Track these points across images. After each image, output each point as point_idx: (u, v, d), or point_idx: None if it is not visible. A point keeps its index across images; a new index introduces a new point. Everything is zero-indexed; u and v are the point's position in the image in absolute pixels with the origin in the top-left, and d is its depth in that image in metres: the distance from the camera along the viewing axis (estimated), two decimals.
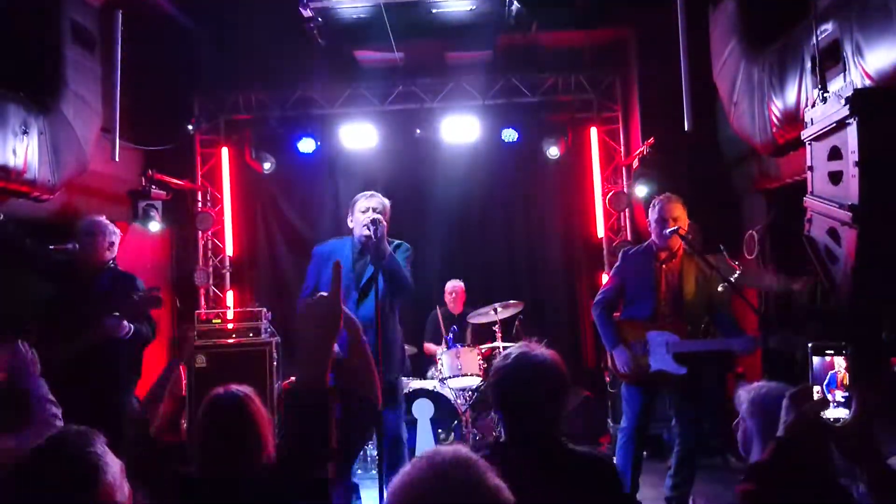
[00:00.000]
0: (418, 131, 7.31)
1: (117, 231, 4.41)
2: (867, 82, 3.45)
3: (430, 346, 6.69)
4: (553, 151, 7.29)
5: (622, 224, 7.44)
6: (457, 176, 7.40)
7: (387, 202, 4.22)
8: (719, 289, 4.13)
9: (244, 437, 2.24)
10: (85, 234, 4.27)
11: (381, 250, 3.86)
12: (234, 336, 6.65)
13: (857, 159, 2.82)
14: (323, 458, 1.93)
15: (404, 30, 6.28)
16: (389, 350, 3.95)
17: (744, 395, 2.31)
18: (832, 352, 1.78)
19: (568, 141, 7.38)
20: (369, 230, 3.92)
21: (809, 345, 1.79)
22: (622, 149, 7.49)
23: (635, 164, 6.84)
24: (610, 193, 7.27)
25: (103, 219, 4.36)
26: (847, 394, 1.78)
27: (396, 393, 4.21)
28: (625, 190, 7.25)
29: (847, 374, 1.79)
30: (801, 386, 1.83)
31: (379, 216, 4.04)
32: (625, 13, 6.64)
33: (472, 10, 6.27)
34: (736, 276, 3.85)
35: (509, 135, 7.17)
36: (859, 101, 2.82)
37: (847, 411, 1.77)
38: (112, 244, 4.34)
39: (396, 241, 4.21)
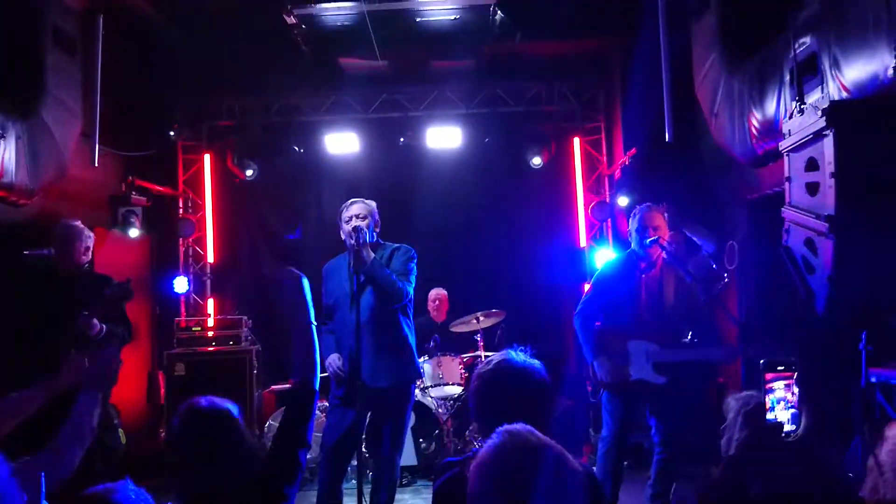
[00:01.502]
0: (402, 139, 7.32)
1: (92, 235, 4.39)
2: (844, 95, 3.49)
3: None
4: (536, 160, 7.32)
5: (604, 233, 7.47)
6: (440, 184, 7.40)
7: (372, 204, 4.19)
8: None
9: (223, 448, 2.21)
10: (61, 239, 4.24)
11: (361, 258, 3.84)
12: (213, 344, 6.60)
13: (833, 170, 2.84)
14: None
15: (389, 38, 6.29)
16: (379, 356, 3.91)
17: (732, 403, 2.31)
18: (783, 367, 1.79)
19: (551, 150, 7.42)
20: (351, 239, 3.92)
21: (761, 361, 1.80)
22: (605, 159, 7.54)
23: (617, 173, 6.88)
24: (592, 203, 7.30)
25: (79, 223, 4.34)
26: (796, 408, 1.79)
27: (389, 404, 4.02)
28: (607, 199, 7.29)
29: (797, 389, 1.79)
30: (754, 404, 1.83)
31: (361, 223, 4.03)
32: (608, 24, 6.68)
33: (456, 18, 6.28)
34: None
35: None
36: (835, 114, 2.85)
37: (795, 426, 1.78)
38: (88, 248, 4.33)
39: (395, 245, 4.19)
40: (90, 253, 4.36)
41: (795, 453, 1.75)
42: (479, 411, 2.13)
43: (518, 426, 1.64)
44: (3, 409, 2.35)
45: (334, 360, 4.03)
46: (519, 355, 2.16)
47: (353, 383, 3.74)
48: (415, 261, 4.16)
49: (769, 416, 1.80)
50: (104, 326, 4.04)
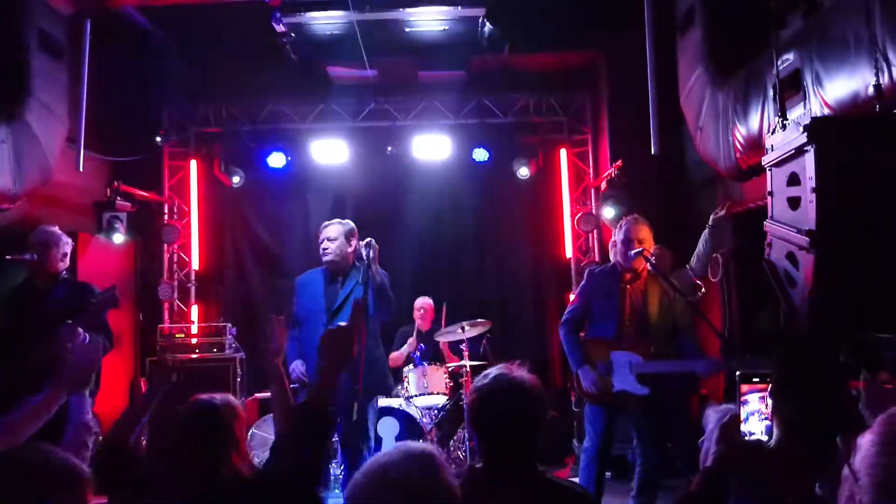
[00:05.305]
0: (390, 149, 7.33)
1: (69, 241, 4.34)
2: (826, 111, 3.54)
3: (395, 355, 6.58)
4: (524, 172, 7.36)
5: (590, 245, 7.50)
6: (427, 194, 7.42)
7: (346, 225, 4.32)
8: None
9: (218, 446, 2.21)
10: (39, 244, 4.17)
11: (372, 270, 3.93)
12: (197, 351, 6.57)
13: (814, 185, 2.87)
14: (314, 471, 2.03)
15: (377, 47, 6.31)
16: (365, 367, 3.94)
17: (712, 415, 2.32)
18: (758, 379, 1.81)
19: (538, 162, 7.46)
20: (364, 252, 3.99)
21: (737, 373, 1.82)
22: (591, 170, 7.58)
23: (604, 185, 6.92)
24: (579, 214, 7.34)
25: (56, 228, 4.28)
26: (769, 421, 1.80)
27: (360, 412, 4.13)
28: (593, 211, 7.33)
29: (770, 401, 1.81)
30: (730, 416, 1.85)
31: (331, 245, 4.20)
32: (595, 37, 6.75)
33: (445, 30, 6.32)
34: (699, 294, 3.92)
35: (480, 154, 7.24)
36: (817, 129, 2.87)
37: (768, 437, 1.80)
38: (65, 255, 4.26)
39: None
40: (67, 259, 4.30)
41: (771, 465, 1.76)
42: (475, 424, 2.13)
43: (417, 445, 1.55)
44: (25, 413, 2.36)
45: (297, 365, 4.17)
46: (516, 370, 2.16)
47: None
48: (387, 285, 4.25)
49: (743, 427, 1.82)
50: (87, 336, 3.99)
